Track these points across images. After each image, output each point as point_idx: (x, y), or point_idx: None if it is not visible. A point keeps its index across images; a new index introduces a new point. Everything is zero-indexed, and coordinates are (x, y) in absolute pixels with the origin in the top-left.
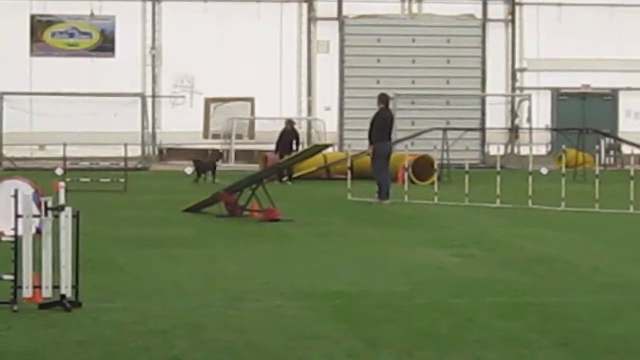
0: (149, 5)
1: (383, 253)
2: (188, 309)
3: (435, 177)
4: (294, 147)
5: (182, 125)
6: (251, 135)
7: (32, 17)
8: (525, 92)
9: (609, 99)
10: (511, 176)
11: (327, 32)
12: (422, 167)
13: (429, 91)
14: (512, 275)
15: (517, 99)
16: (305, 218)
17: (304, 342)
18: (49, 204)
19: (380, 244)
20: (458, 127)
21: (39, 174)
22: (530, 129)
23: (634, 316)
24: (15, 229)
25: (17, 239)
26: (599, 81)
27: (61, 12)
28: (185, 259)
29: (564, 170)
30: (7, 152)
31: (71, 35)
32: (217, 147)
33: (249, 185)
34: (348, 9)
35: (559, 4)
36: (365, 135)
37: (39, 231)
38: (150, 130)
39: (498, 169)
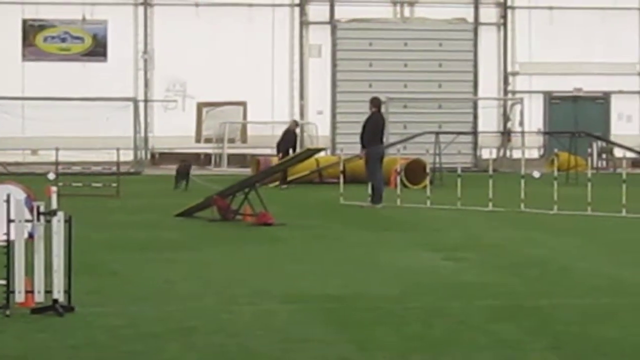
0: (140, 9)
1: (376, 256)
2: (180, 312)
3: (427, 181)
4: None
5: (174, 129)
6: (243, 139)
7: (24, 21)
8: (518, 95)
9: (601, 102)
10: (503, 180)
11: (319, 36)
12: (414, 171)
13: (421, 95)
14: (505, 278)
15: (509, 103)
16: (298, 222)
17: (297, 345)
18: (42, 209)
19: (373, 247)
20: (450, 131)
21: (31, 179)
22: (523, 132)
23: (627, 319)
24: (8, 233)
25: (9, 244)
26: (591, 84)
27: (53, 17)
28: (177, 263)
29: (556, 173)
30: (0, 157)
31: (63, 40)
32: (209, 151)
33: (242, 190)
34: (340, 13)
35: (551, 8)
36: (358, 139)
37: (31, 236)
38: (142, 134)
39: (490, 172)
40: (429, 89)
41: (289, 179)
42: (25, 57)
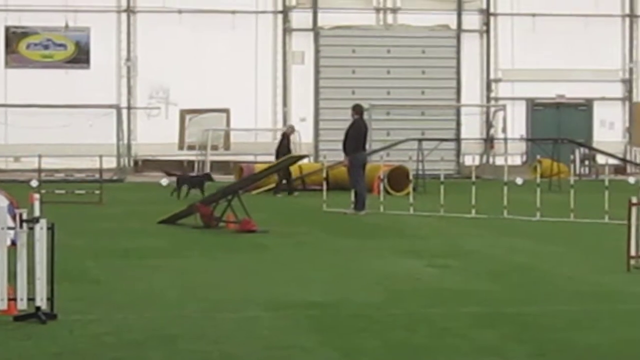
0: (123, 16)
1: (359, 263)
2: (163, 319)
3: (410, 188)
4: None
5: (157, 136)
6: (226, 146)
7: (7, 28)
8: (500, 102)
9: (583, 109)
10: (486, 186)
11: (302, 43)
12: (397, 178)
13: (404, 102)
14: (488, 285)
15: (492, 109)
16: (281, 229)
17: (280, 353)
18: (24, 216)
19: (356, 254)
20: (433, 138)
21: (14, 186)
22: (505, 139)
23: (610, 325)
24: None
25: None
26: (574, 91)
27: (36, 24)
28: (160, 270)
29: (539, 180)
30: None
31: (46, 47)
32: (192, 158)
33: (225, 197)
34: (323, 20)
35: (534, 15)
36: (341, 145)
37: (14, 243)
38: (125, 141)
39: (473, 179)
40: (411, 96)
41: (271, 186)
42: (8, 64)
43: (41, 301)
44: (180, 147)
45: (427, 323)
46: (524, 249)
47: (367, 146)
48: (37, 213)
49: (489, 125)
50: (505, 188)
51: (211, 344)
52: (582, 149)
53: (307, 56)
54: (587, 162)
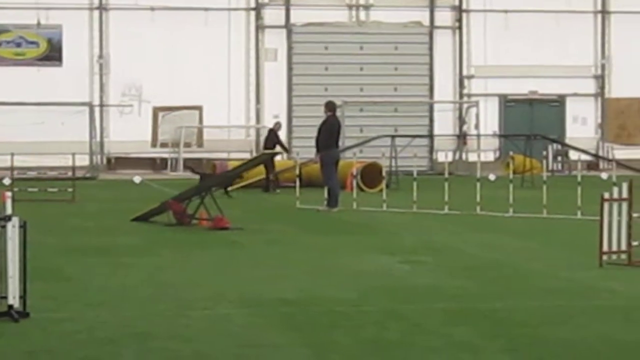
0: (96, 14)
1: (332, 260)
2: (136, 317)
3: (383, 184)
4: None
5: (130, 134)
6: (199, 143)
7: None
8: (473, 98)
9: (556, 105)
10: (459, 182)
11: (275, 40)
12: (370, 175)
13: (377, 98)
14: (461, 281)
15: (464, 106)
16: (254, 226)
17: (253, 350)
18: None
19: (329, 251)
20: (406, 134)
21: None
22: (478, 135)
23: (582, 320)
24: None
25: None
26: (546, 87)
27: (8, 22)
28: (133, 267)
29: (511, 176)
30: None
31: (18, 45)
32: (165, 155)
33: (198, 194)
34: (296, 17)
35: (506, 11)
36: (314, 142)
37: None
38: (98, 139)
39: (446, 175)
40: (384, 93)
41: (244, 183)
42: None
43: (13, 299)
44: (153, 145)
45: (400, 319)
46: (497, 245)
47: (340, 143)
48: (9, 211)
49: (461, 121)
50: (478, 184)
51: (184, 342)
52: (554, 145)
53: (279, 53)
54: (559, 158)
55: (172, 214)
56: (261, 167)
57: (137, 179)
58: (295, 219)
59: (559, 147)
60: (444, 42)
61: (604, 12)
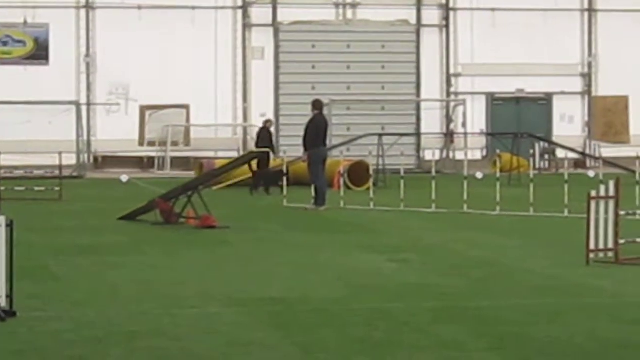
0: (83, 12)
1: (319, 259)
2: (123, 316)
3: (371, 183)
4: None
5: (117, 133)
6: (187, 142)
7: None
8: (460, 97)
9: (543, 103)
10: (446, 181)
11: (262, 39)
12: (357, 173)
13: (364, 97)
14: (448, 279)
15: (452, 104)
16: (242, 225)
17: (240, 349)
18: None
19: (317, 249)
20: (393, 133)
21: None
22: (465, 133)
23: (569, 318)
24: None
25: None
26: (533, 86)
27: None
28: (120, 266)
29: (498, 174)
30: None
31: (5, 44)
32: (153, 154)
33: (185, 193)
34: (283, 16)
35: (493, 9)
36: (301, 141)
37: None
38: (85, 138)
39: (433, 174)
40: (372, 91)
41: (231, 182)
42: None
43: (0, 298)
44: (141, 144)
45: (387, 318)
46: (484, 243)
47: (327, 141)
48: None
49: (449, 119)
50: (465, 182)
51: (171, 341)
52: (541, 143)
53: (267, 52)
54: (546, 156)
55: (160, 213)
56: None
57: (124, 178)
58: (282, 218)
59: (546, 145)
60: (431, 41)
61: (591, 10)
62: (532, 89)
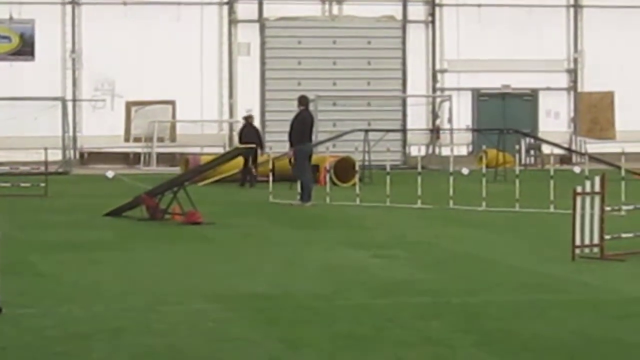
0: (68, 8)
1: (305, 255)
2: (109, 312)
3: (356, 179)
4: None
5: (103, 128)
6: (172, 138)
7: None
8: (446, 92)
9: (528, 99)
10: (432, 177)
11: (248, 35)
12: (343, 169)
13: (350, 93)
14: (434, 275)
15: (437, 100)
16: (227, 221)
17: (225, 345)
18: None
19: (302, 245)
20: (379, 129)
21: None
22: (451, 129)
23: (554, 314)
24: None
25: None
26: (519, 81)
27: None
28: (106, 262)
29: (484, 170)
30: None
31: None
32: (138, 150)
33: (171, 189)
34: (268, 11)
35: (479, 5)
36: (287, 137)
37: None
38: (71, 134)
39: (419, 169)
40: (357, 87)
41: (217, 178)
42: None
43: None
44: (126, 139)
45: (373, 314)
46: (470, 239)
47: (313, 137)
48: None
49: (434, 115)
50: (451, 178)
51: (156, 337)
52: (527, 139)
53: (252, 47)
54: (532, 152)
55: (145, 209)
56: (235, 162)
57: (110, 174)
58: (268, 214)
59: (532, 141)
60: (417, 37)
61: (577, 6)
62: (517, 85)
